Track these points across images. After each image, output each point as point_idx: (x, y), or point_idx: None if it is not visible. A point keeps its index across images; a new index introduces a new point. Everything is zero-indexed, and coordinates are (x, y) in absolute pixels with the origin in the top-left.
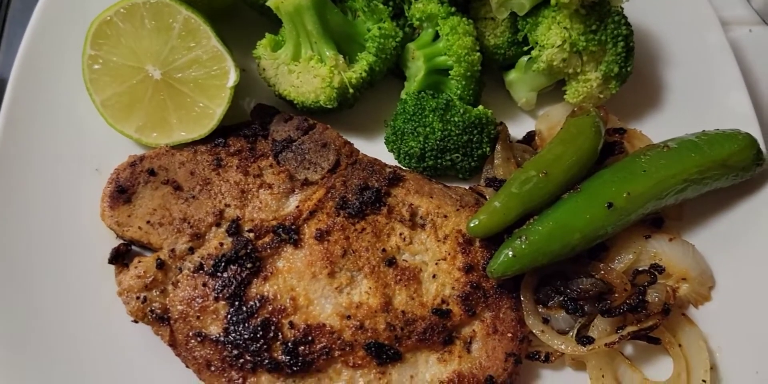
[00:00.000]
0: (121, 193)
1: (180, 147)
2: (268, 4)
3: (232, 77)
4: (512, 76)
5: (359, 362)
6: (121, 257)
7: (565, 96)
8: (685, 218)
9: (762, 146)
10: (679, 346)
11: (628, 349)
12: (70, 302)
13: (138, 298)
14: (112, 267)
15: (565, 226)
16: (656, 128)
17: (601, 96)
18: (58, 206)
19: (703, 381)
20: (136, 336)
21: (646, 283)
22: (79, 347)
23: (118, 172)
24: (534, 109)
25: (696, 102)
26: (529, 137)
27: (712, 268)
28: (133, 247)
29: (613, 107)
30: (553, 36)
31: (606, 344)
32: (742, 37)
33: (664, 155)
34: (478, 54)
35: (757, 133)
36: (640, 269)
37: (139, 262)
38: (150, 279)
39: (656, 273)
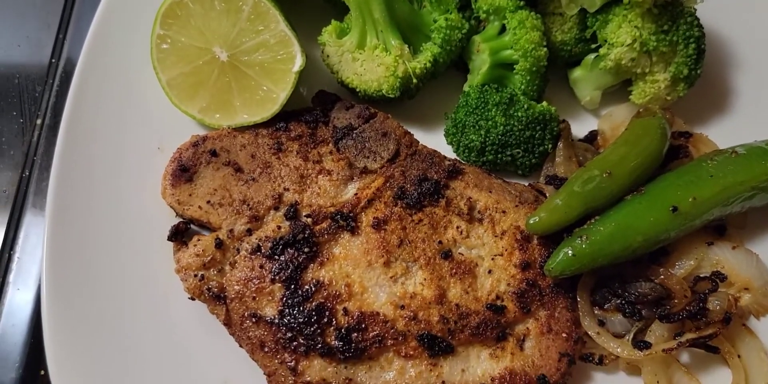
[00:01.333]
0: (183, 172)
1: (242, 129)
2: None
3: (299, 62)
4: (577, 73)
5: (411, 352)
6: (180, 235)
7: (630, 96)
8: (748, 227)
9: None
10: (738, 356)
11: (685, 356)
12: (130, 277)
13: (196, 275)
14: (171, 244)
15: (627, 227)
16: (723, 134)
17: (668, 98)
18: (121, 182)
19: None
20: (193, 313)
21: (707, 291)
22: (136, 321)
23: (181, 152)
24: (597, 109)
25: (765, 109)
26: (592, 136)
27: None
28: (192, 226)
29: (680, 110)
30: (623, 34)
31: (664, 350)
32: None
33: (732, 161)
34: (545, 49)
35: None
36: (701, 276)
37: (198, 240)
38: (208, 258)
39: (718, 281)
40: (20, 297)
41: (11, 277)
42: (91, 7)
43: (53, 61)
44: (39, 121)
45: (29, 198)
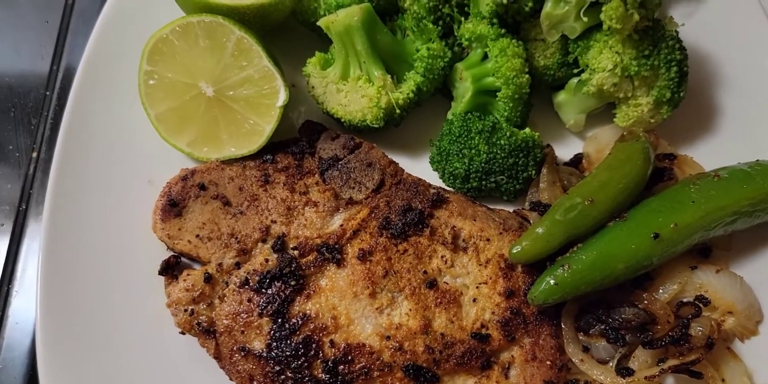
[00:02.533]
0: (173, 207)
1: (230, 162)
2: (318, 23)
3: (282, 97)
4: (561, 97)
5: (397, 383)
6: (171, 269)
7: (614, 119)
8: (734, 248)
9: None
10: (723, 381)
11: (669, 381)
12: (122, 310)
13: (186, 310)
14: (162, 277)
15: (609, 255)
16: (708, 155)
17: (652, 121)
18: (113, 216)
19: None
20: (184, 346)
21: (690, 316)
22: (129, 353)
23: (170, 186)
24: (583, 130)
25: (751, 129)
26: (577, 160)
27: (761, 301)
28: (183, 259)
29: (664, 131)
30: (604, 60)
31: (646, 377)
32: None
33: (714, 185)
34: (527, 76)
35: None
36: (684, 301)
37: (188, 275)
38: (198, 292)
39: (701, 305)
40: (19, 330)
41: (10, 311)
42: (84, 39)
43: (48, 93)
44: (34, 155)
45: (27, 231)
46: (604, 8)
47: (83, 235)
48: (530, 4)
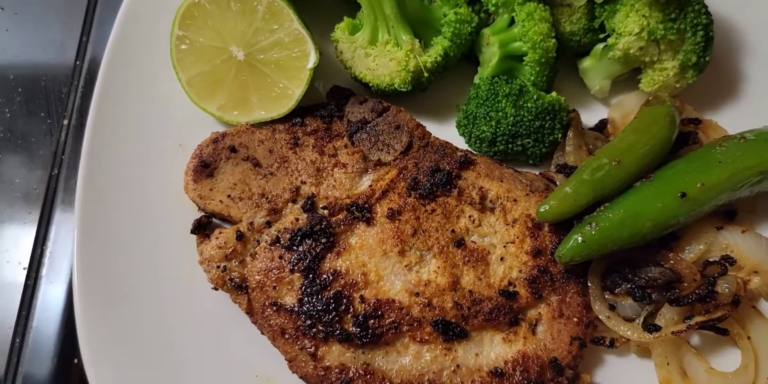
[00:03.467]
0: (204, 168)
1: (259, 125)
2: None
3: (312, 59)
4: (587, 63)
5: (426, 338)
6: (202, 228)
7: (640, 84)
8: (758, 210)
9: None
10: (748, 338)
11: (695, 339)
12: (156, 269)
13: (218, 267)
14: (194, 237)
15: (636, 214)
16: (732, 120)
17: (678, 85)
18: (145, 179)
19: None
20: (217, 302)
21: (716, 274)
22: (163, 310)
23: (202, 148)
24: (607, 97)
25: None
26: (602, 125)
27: None
28: (214, 220)
29: (689, 97)
30: (631, 23)
31: (673, 332)
32: None
33: (740, 146)
34: (554, 41)
35: None
36: (710, 260)
37: (220, 233)
38: (230, 250)
39: (727, 265)
40: (53, 290)
41: (44, 271)
42: (112, 10)
43: (77, 63)
44: (66, 122)
45: (59, 195)
46: None
47: (117, 196)
48: None
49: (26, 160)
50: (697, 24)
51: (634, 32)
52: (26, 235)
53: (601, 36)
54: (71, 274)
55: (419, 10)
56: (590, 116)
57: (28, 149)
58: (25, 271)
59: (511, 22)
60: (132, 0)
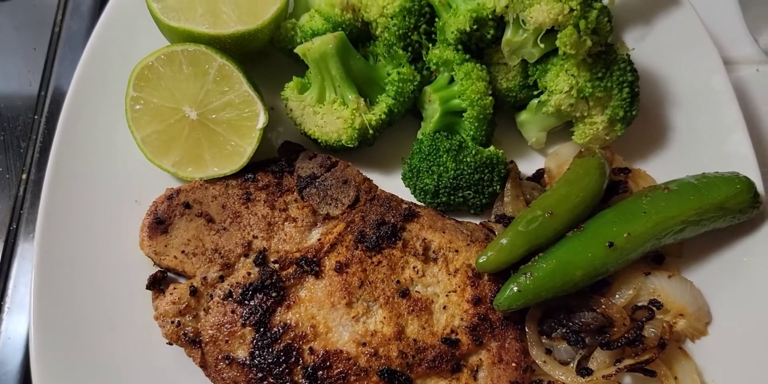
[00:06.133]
0: (159, 224)
1: (213, 181)
2: (295, 50)
3: (261, 120)
4: (523, 116)
5: None
6: (157, 283)
7: (573, 137)
8: (685, 255)
9: (761, 188)
10: (675, 378)
11: (627, 380)
12: (112, 324)
13: (173, 322)
14: (149, 292)
15: (568, 263)
16: (660, 168)
17: (607, 138)
18: (102, 234)
19: None
20: (171, 356)
21: (644, 319)
22: (119, 364)
23: (157, 205)
24: (544, 147)
25: (698, 143)
26: (539, 174)
27: (710, 304)
28: (169, 274)
29: (619, 147)
30: (561, 82)
31: (604, 376)
32: (749, 77)
33: (664, 197)
34: (491, 98)
35: (756, 176)
36: (639, 305)
37: (174, 288)
38: (184, 305)
39: (654, 309)
40: (11, 345)
41: (2, 327)
42: (72, 66)
43: (36, 117)
44: (24, 176)
45: (18, 249)
46: (558, 35)
47: (74, 252)
48: (492, 32)
49: None
50: (623, 81)
51: (564, 90)
52: None
53: (535, 92)
54: (28, 330)
55: (364, 70)
56: (528, 165)
57: None
58: None
59: (451, 80)
60: (88, 59)
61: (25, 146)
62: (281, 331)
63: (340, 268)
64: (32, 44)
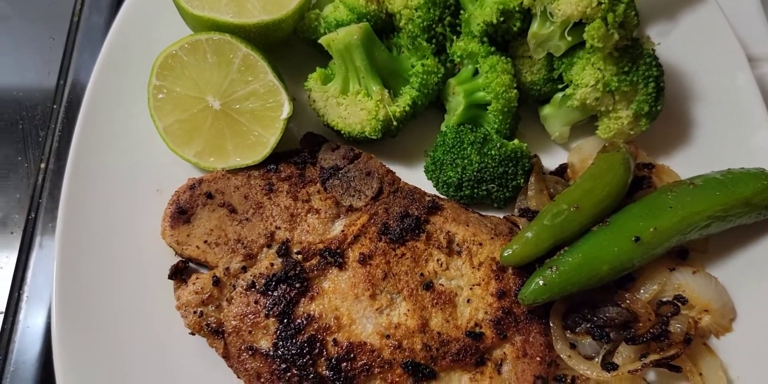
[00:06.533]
0: (181, 214)
1: (235, 171)
2: (320, 41)
3: (286, 110)
4: (547, 110)
5: (397, 379)
6: (179, 273)
7: (597, 131)
8: (710, 251)
9: None
10: (700, 374)
11: (651, 375)
12: (134, 314)
13: (195, 312)
14: (171, 282)
15: (593, 258)
16: (684, 164)
17: (632, 132)
18: (123, 224)
19: None
20: (193, 347)
21: (669, 314)
22: (140, 356)
23: (179, 194)
24: (567, 141)
25: (723, 139)
26: (562, 169)
27: (734, 300)
28: (191, 264)
29: (643, 143)
30: (587, 76)
31: (629, 371)
32: None
33: (690, 192)
34: (515, 91)
35: None
36: (664, 300)
37: (197, 278)
38: (206, 295)
39: (679, 304)
40: (30, 334)
41: (21, 316)
42: (90, 55)
43: (55, 107)
44: (43, 165)
45: (36, 239)
46: (586, 28)
47: (95, 242)
48: (518, 24)
49: (2, 205)
50: (648, 76)
51: (590, 84)
52: (3, 280)
53: (560, 86)
54: (49, 319)
55: (388, 62)
56: (551, 160)
57: (5, 193)
58: (2, 317)
59: (476, 72)
60: (111, 48)
61: (44, 135)
62: (305, 322)
63: (364, 260)
64: (51, 34)
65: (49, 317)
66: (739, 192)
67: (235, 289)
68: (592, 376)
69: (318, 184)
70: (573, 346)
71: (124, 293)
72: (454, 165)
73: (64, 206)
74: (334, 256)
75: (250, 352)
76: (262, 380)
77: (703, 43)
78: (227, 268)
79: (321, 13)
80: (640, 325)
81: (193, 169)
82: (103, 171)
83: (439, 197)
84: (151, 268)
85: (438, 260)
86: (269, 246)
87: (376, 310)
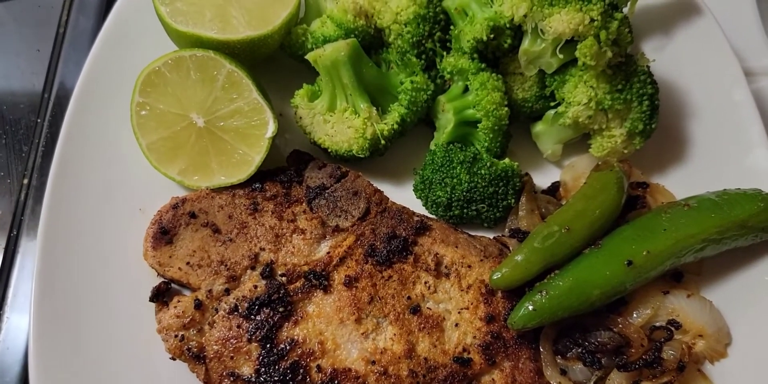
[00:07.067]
0: (164, 235)
1: (219, 190)
2: (306, 57)
3: (271, 128)
4: (539, 128)
5: None
6: (161, 296)
7: (590, 150)
8: (704, 273)
9: None
10: None
11: None
12: (113, 337)
13: (176, 336)
14: (153, 304)
15: (584, 282)
16: (679, 182)
17: (626, 151)
18: (105, 244)
19: None
20: (174, 372)
21: (662, 339)
22: (120, 379)
23: (161, 214)
24: (559, 160)
25: (719, 157)
26: (554, 188)
27: (729, 325)
28: (174, 286)
29: (637, 161)
30: (579, 94)
31: None
32: None
33: (684, 214)
34: (506, 109)
35: None
36: (657, 325)
37: (179, 301)
38: (188, 319)
39: (673, 329)
40: (10, 355)
41: (1, 336)
42: (76, 68)
43: (39, 121)
44: (26, 181)
45: (17, 257)
46: (579, 46)
47: (76, 261)
48: (509, 41)
49: None
50: (642, 94)
51: (582, 102)
52: None
53: (552, 103)
54: (27, 340)
55: (376, 78)
56: (543, 178)
57: None
58: None
59: (466, 90)
60: (93, 62)
61: (27, 150)
62: (288, 347)
63: (350, 283)
64: (36, 45)
65: (27, 339)
66: (734, 214)
67: (217, 312)
68: None
69: (304, 204)
70: (563, 373)
71: (104, 315)
72: (443, 184)
73: (45, 224)
74: (319, 278)
75: (231, 378)
76: None
77: (699, 59)
78: (210, 291)
79: (308, 29)
80: (633, 350)
81: (177, 188)
82: (85, 188)
83: (427, 217)
84: (133, 289)
85: (426, 283)
86: (253, 268)
87: (362, 334)
